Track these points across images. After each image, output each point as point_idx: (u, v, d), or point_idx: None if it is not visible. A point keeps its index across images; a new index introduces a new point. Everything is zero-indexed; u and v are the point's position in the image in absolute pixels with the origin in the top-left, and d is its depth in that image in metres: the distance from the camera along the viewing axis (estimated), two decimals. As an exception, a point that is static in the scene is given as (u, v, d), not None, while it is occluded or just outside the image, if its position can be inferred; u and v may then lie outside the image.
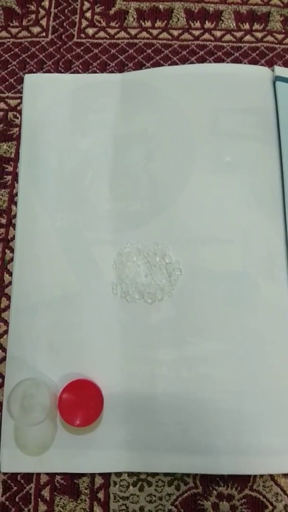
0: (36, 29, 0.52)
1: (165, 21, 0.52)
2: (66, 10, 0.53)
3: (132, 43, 0.51)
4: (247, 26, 0.52)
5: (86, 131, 0.48)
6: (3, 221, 0.47)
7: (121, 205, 0.45)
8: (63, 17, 0.52)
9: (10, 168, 0.48)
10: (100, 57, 0.51)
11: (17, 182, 0.47)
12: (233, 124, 0.46)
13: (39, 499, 0.40)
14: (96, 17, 0.52)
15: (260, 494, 0.40)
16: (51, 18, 0.52)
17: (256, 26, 0.52)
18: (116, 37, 0.52)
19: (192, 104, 0.47)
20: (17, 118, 0.49)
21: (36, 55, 0.51)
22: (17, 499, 0.40)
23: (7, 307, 0.44)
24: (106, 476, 0.40)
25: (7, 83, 0.51)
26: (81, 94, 0.49)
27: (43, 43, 0.52)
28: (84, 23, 0.52)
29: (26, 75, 0.50)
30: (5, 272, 0.45)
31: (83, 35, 0.52)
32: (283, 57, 0.50)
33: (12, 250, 0.46)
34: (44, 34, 0.52)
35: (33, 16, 0.53)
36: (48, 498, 0.40)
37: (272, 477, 0.40)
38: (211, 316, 0.42)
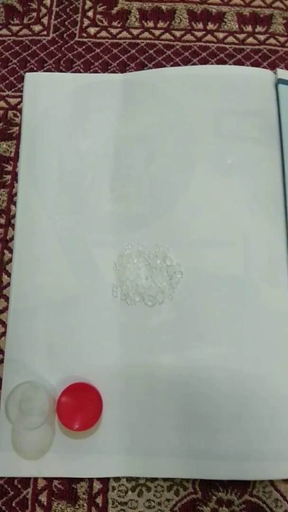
0: (37, 27, 0.52)
1: (168, 22, 0.52)
2: (67, 9, 0.52)
3: (134, 43, 0.51)
4: (249, 28, 0.52)
5: (87, 131, 0.47)
6: (2, 221, 0.46)
7: (122, 206, 0.45)
8: (64, 16, 0.52)
9: (9, 168, 0.47)
10: (101, 56, 0.51)
11: (17, 182, 0.46)
12: (235, 126, 0.46)
13: (36, 504, 0.39)
14: (98, 16, 0.52)
15: (259, 499, 0.39)
16: (53, 17, 0.52)
17: (258, 29, 0.52)
18: (118, 37, 0.51)
19: (194, 105, 0.47)
20: (17, 117, 0.49)
21: (37, 53, 0.51)
22: (13, 504, 0.39)
23: (5, 309, 0.43)
24: (104, 481, 0.40)
25: (7, 81, 0.50)
26: (82, 94, 0.48)
27: (44, 41, 0.51)
28: (86, 22, 0.52)
29: (26, 73, 0.49)
30: (3, 273, 0.45)
31: (84, 34, 0.51)
32: (286, 60, 0.50)
33: (11, 251, 0.45)
34: (45, 32, 0.51)
35: (35, 14, 0.52)
36: (45, 503, 0.39)
37: (272, 482, 0.39)
38: (212, 320, 0.41)
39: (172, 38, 0.51)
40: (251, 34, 0.51)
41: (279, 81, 0.47)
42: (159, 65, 0.50)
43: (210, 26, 0.52)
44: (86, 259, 0.43)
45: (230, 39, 0.51)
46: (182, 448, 0.39)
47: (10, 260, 0.45)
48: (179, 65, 0.50)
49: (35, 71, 0.50)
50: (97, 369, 0.41)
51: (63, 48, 0.51)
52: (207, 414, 0.40)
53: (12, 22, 0.52)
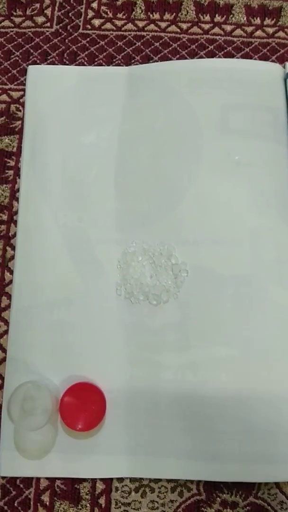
0: (40, 19, 0.51)
1: (174, 14, 0.51)
2: (71, 0, 0.51)
3: (140, 35, 0.50)
4: (258, 21, 0.50)
5: (91, 125, 0.46)
6: (4, 217, 0.45)
7: (126, 203, 0.44)
8: (68, 7, 0.51)
9: (12, 163, 0.46)
10: (106, 49, 0.50)
11: (19, 177, 0.45)
12: (243, 121, 0.45)
13: (38, 504, 0.39)
14: (103, 7, 0.51)
15: (264, 502, 0.39)
16: (56, 8, 0.51)
17: (267, 21, 0.50)
18: (123, 29, 0.50)
19: (201, 100, 0.46)
20: (20, 111, 0.48)
21: (40, 46, 0.50)
22: (16, 504, 0.39)
23: (8, 307, 0.43)
24: (107, 481, 0.39)
25: (9, 74, 0.49)
26: (86, 87, 0.47)
27: (47, 33, 0.50)
28: (90, 13, 0.51)
29: (29, 66, 0.48)
30: (5, 271, 0.44)
31: (89, 26, 0.50)
32: (295, 54, 0.49)
33: (13, 248, 0.44)
34: (48, 24, 0.50)
35: (38, 5, 0.51)
36: (48, 503, 0.39)
37: (277, 485, 0.39)
38: (218, 320, 0.41)
39: (178, 30, 0.50)
40: (260, 27, 0.50)
41: (288, 76, 0.46)
42: (165, 58, 0.49)
43: (218, 18, 0.50)
44: (90, 257, 0.43)
45: (238, 32, 0.50)
46: (186, 449, 0.39)
47: (13, 257, 0.44)
48: (185, 58, 0.49)
49: (38, 63, 0.49)
50: (101, 369, 0.40)
51: (66, 40, 0.50)
52: (212, 415, 0.39)
53: (14, 13, 0.51)
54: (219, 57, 0.49)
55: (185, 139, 0.45)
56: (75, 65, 0.49)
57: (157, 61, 0.49)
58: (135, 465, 0.39)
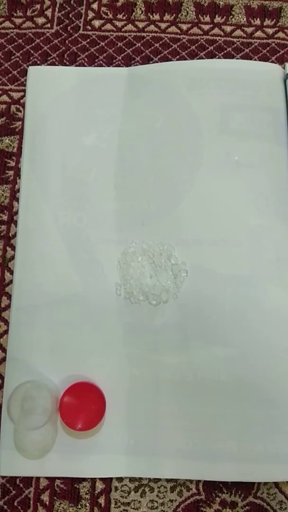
0: (40, 20, 0.51)
1: (174, 15, 0.51)
2: (72, 1, 0.51)
3: (140, 36, 0.50)
4: (258, 22, 0.50)
5: (91, 126, 0.46)
6: (5, 217, 0.45)
7: (126, 203, 0.44)
8: (69, 8, 0.51)
9: (12, 163, 0.47)
10: (106, 50, 0.50)
11: (19, 178, 0.46)
12: (242, 122, 0.45)
13: (38, 504, 0.39)
14: (103, 8, 0.51)
15: (264, 501, 0.39)
16: (57, 9, 0.51)
17: (267, 22, 0.50)
18: (123, 30, 0.50)
19: (200, 100, 0.46)
20: (20, 111, 0.48)
21: (40, 46, 0.50)
22: (15, 503, 0.39)
23: (8, 306, 0.43)
24: (107, 481, 0.39)
25: (10, 75, 0.49)
26: (86, 88, 0.47)
27: (47, 34, 0.50)
28: (91, 14, 0.51)
29: (30, 67, 0.48)
30: (6, 271, 0.44)
31: (89, 27, 0.50)
32: (295, 54, 0.49)
33: (13, 248, 0.44)
34: (49, 25, 0.51)
35: (38, 6, 0.51)
36: (47, 503, 0.39)
37: (276, 484, 0.39)
38: (217, 320, 0.41)
39: (178, 31, 0.50)
40: (260, 27, 0.50)
41: (288, 76, 0.46)
42: (165, 59, 0.49)
43: (218, 19, 0.51)
44: (90, 257, 0.43)
45: (238, 32, 0.50)
46: (186, 449, 0.39)
47: (13, 257, 0.44)
48: (185, 59, 0.49)
49: (38, 64, 0.49)
50: (101, 369, 0.40)
51: (67, 41, 0.50)
52: (211, 415, 0.39)
53: (15, 14, 0.51)
54: (219, 57, 0.49)
55: (185, 139, 0.45)
56: (75, 66, 0.49)
57: (157, 62, 0.49)
58: (134, 465, 0.39)
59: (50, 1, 0.51)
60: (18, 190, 0.45)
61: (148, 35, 0.50)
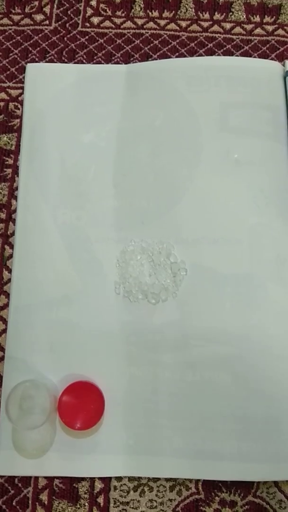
0: (39, 17, 0.50)
1: (173, 12, 0.50)
2: (70, -2, 0.51)
3: (139, 33, 0.50)
4: (257, 19, 0.50)
5: (90, 124, 0.46)
6: (3, 215, 0.45)
7: (125, 201, 0.44)
8: (67, 5, 0.51)
9: (10, 161, 0.46)
10: (105, 47, 0.49)
11: (18, 176, 0.45)
12: (242, 119, 0.45)
13: (37, 503, 0.39)
14: (102, 5, 0.51)
15: (263, 500, 0.39)
16: (55, 6, 0.51)
17: (267, 19, 0.50)
18: (122, 27, 0.50)
19: (200, 98, 0.46)
20: (18, 109, 0.48)
21: (38, 43, 0.50)
22: (14, 503, 0.39)
23: (6, 305, 0.43)
24: (106, 480, 0.39)
25: (8, 72, 0.49)
26: (84, 85, 0.47)
27: (46, 31, 0.50)
28: (89, 11, 0.50)
29: (28, 64, 0.48)
30: (4, 269, 0.44)
31: (87, 24, 0.50)
32: (294, 52, 0.49)
33: (11, 246, 0.44)
34: (47, 22, 0.50)
35: (36, 3, 0.51)
36: (46, 503, 0.39)
37: (276, 483, 0.39)
38: (217, 319, 0.41)
39: (177, 28, 0.50)
40: (259, 24, 0.50)
41: (287, 74, 0.46)
42: (164, 56, 0.49)
43: (217, 16, 0.50)
44: (89, 255, 0.43)
45: (238, 29, 0.50)
46: (185, 448, 0.39)
47: (11, 256, 0.44)
48: (184, 56, 0.49)
49: (36, 61, 0.49)
50: (99, 368, 0.40)
51: (65, 38, 0.50)
52: (210, 414, 0.39)
53: (13, 11, 0.51)
54: (219, 55, 0.49)
55: (184, 137, 0.45)
56: (74, 63, 0.49)
57: (156, 59, 0.49)
58: (133, 464, 0.39)
59: (48, -3, 0.51)
60: (17, 188, 0.45)
61: (147, 32, 0.50)
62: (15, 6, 0.51)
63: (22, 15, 0.50)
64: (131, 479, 0.39)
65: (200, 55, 0.49)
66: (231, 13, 0.50)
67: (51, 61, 0.49)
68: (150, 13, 0.50)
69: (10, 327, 0.41)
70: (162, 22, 0.50)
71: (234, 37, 0.50)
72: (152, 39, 0.50)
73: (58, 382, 0.40)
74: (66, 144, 0.45)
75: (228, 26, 0.50)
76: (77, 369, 0.40)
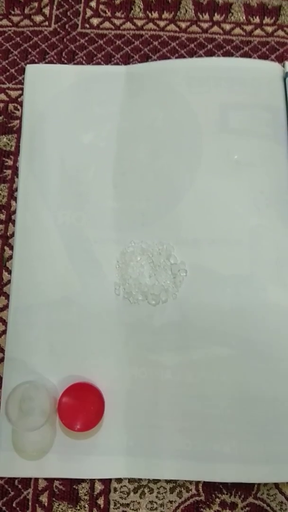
0: (38, 18, 0.50)
1: (173, 13, 0.50)
2: (70, -1, 0.51)
3: (138, 34, 0.50)
4: (257, 20, 0.50)
5: (89, 125, 0.46)
6: (2, 217, 0.45)
7: (125, 202, 0.44)
8: (66, 6, 0.51)
9: (10, 162, 0.46)
10: (104, 48, 0.49)
11: (17, 177, 0.45)
12: (242, 121, 0.45)
13: (37, 505, 0.39)
14: (101, 6, 0.51)
15: (264, 502, 0.39)
16: (54, 7, 0.51)
17: (266, 20, 0.50)
18: (121, 28, 0.50)
19: (200, 99, 0.46)
20: (18, 110, 0.48)
21: (38, 45, 0.50)
22: (14, 505, 0.39)
23: (6, 306, 0.43)
24: (106, 482, 0.39)
25: (7, 73, 0.49)
26: (84, 86, 0.47)
27: (45, 32, 0.50)
28: (89, 12, 0.50)
29: (27, 65, 0.48)
30: (4, 270, 0.44)
31: (87, 25, 0.50)
32: (294, 53, 0.49)
33: (11, 247, 0.44)
34: (47, 23, 0.50)
35: (36, 4, 0.51)
36: (46, 504, 0.39)
37: (276, 485, 0.39)
38: (217, 320, 0.41)
39: (177, 29, 0.50)
40: (259, 25, 0.50)
41: (287, 75, 0.46)
42: (163, 57, 0.49)
43: (217, 17, 0.50)
44: (88, 257, 0.43)
45: (237, 30, 0.50)
46: (185, 450, 0.39)
47: (11, 257, 0.44)
48: (184, 57, 0.49)
49: (36, 63, 0.49)
50: (99, 369, 0.40)
51: (65, 39, 0.50)
52: (211, 416, 0.39)
53: (12, 12, 0.51)
54: (218, 56, 0.49)
55: (184, 138, 0.45)
56: (74, 64, 0.49)
57: (156, 60, 0.49)
58: (134, 466, 0.39)
59: (48, -1, 0.51)
60: (16, 189, 0.45)
61: (147, 33, 0.50)
62: (15, 7, 0.51)
63: (22, 16, 0.50)
64: (131, 480, 0.39)
65: (200, 56, 0.49)
66: (230, 14, 0.50)
67: (51, 62, 0.49)
68: (149, 14, 0.50)
69: (10, 328, 0.41)
70: (162, 23, 0.50)
71: (234, 38, 0.50)
72: (151, 40, 0.50)
73: (58, 383, 0.40)
74: (66, 145, 0.45)
75: (227, 27, 0.50)
76: (77, 370, 0.40)
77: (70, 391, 0.38)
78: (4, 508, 0.39)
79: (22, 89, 0.48)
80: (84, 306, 0.41)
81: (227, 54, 0.49)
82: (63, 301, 0.41)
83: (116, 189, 0.44)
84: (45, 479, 0.39)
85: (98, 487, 0.39)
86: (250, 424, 0.39)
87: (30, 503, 0.39)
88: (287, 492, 0.39)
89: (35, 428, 0.36)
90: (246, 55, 0.49)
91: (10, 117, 0.48)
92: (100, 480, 0.39)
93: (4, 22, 0.50)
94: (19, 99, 0.48)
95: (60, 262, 0.42)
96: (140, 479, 0.39)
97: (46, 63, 0.49)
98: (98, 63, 0.49)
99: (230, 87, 0.46)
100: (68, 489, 0.39)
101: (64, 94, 0.47)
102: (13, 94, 0.48)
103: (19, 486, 0.39)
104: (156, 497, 0.39)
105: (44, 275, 0.42)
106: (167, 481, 0.39)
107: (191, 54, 0.49)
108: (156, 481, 0.39)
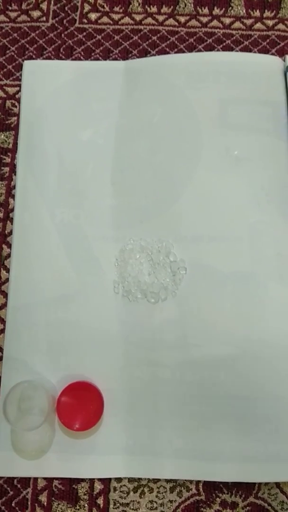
0: (36, 13, 0.50)
1: (172, 7, 0.50)
2: (67, -6, 0.50)
3: (137, 29, 0.49)
4: (257, 13, 0.49)
5: (88, 121, 0.46)
6: (0, 215, 0.45)
7: (123, 199, 0.43)
8: (64, 1, 0.50)
9: (7, 159, 0.46)
10: (103, 43, 0.49)
11: (15, 174, 0.45)
12: (242, 116, 0.44)
13: (36, 505, 0.39)
14: (99, 1, 0.50)
15: (265, 502, 0.38)
16: (52, 2, 0.50)
17: (267, 14, 0.49)
18: (120, 22, 0.49)
19: (199, 94, 0.45)
20: (16, 106, 0.47)
21: (36, 40, 0.49)
22: (13, 504, 0.39)
23: (4, 305, 0.42)
24: (105, 481, 0.39)
25: (5, 69, 0.48)
26: (82, 82, 0.47)
27: (43, 28, 0.49)
28: (87, 7, 0.50)
29: (25, 61, 0.48)
30: (1, 269, 0.43)
31: (85, 20, 0.50)
32: (295, 46, 0.48)
33: (9, 246, 0.44)
34: (44, 18, 0.50)
35: (33, -1, 0.50)
36: (45, 504, 0.39)
37: (277, 484, 0.38)
38: (217, 318, 0.40)
39: (176, 23, 0.49)
40: (259, 19, 0.49)
41: (288, 69, 0.45)
42: (162, 52, 0.48)
43: (216, 11, 0.50)
44: (87, 254, 0.42)
45: (237, 24, 0.49)
46: (185, 449, 0.38)
47: (9, 255, 0.43)
48: (183, 51, 0.48)
49: (34, 59, 0.48)
50: (98, 368, 0.40)
51: (63, 35, 0.49)
52: (211, 415, 0.39)
53: (10, 8, 0.50)
54: (218, 50, 0.48)
55: (183, 134, 0.44)
56: (72, 59, 0.48)
57: (155, 55, 0.48)
58: (133, 465, 0.38)
59: (45, -6, 0.50)
60: (14, 187, 0.45)
61: (146, 28, 0.49)
62: (12, 2, 0.50)
63: (19, 12, 0.50)
64: (131, 480, 0.39)
65: (199, 50, 0.48)
66: (230, 8, 0.50)
67: (49, 58, 0.49)
68: (148, 9, 0.50)
69: (8, 327, 0.41)
70: (161, 18, 0.50)
71: (234, 32, 0.49)
72: (150, 35, 0.49)
73: (57, 383, 0.39)
74: (64, 141, 0.45)
75: (227, 21, 0.49)
76: (75, 369, 0.40)
77: (69, 390, 0.38)
78: (3, 507, 0.39)
79: (19, 85, 0.47)
80: (82, 305, 0.41)
81: (227, 48, 0.48)
82: (61, 300, 0.41)
83: (115, 186, 0.44)
84: (44, 478, 0.39)
85: (98, 486, 0.39)
86: (250, 423, 0.38)
87: (29, 503, 0.39)
88: (288, 492, 0.38)
89: (34, 427, 0.36)
90: (246, 49, 0.48)
91: (7, 114, 0.47)
92: (99, 479, 0.39)
93: (1, 17, 0.50)
94: (16, 96, 0.47)
95: (58, 260, 0.42)
96: (139, 479, 0.39)
97: (44, 59, 0.49)
98: (97, 59, 0.48)
99: (230, 82, 0.45)
100: (67, 488, 0.39)
101: (62, 90, 0.46)
102: (11, 90, 0.48)
103: (18, 485, 0.39)
104: (156, 496, 0.38)
105: (42, 273, 0.42)
106: (167, 481, 0.39)
107: (191, 48, 0.48)
108: (156, 481, 0.39)
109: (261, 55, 0.47)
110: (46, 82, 0.47)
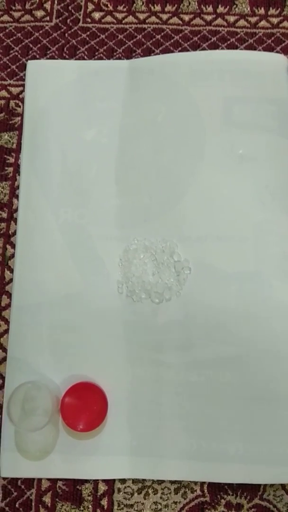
0: (39, 13, 0.50)
1: (176, 5, 0.49)
2: (71, -7, 0.50)
3: (141, 28, 0.49)
4: (262, 11, 0.49)
5: (91, 121, 0.45)
6: (4, 215, 0.45)
7: (127, 199, 0.43)
8: (68, 1, 0.50)
9: (11, 160, 0.46)
10: (106, 42, 0.49)
11: (19, 174, 0.45)
12: (247, 114, 0.44)
13: (40, 506, 0.38)
14: (103, 0, 0.50)
15: (270, 503, 0.38)
16: (56, 2, 0.50)
17: (271, 11, 0.49)
18: (123, 22, 0.49)
19: (203, 92, 0.45)
20: (19, 106, 0.47)
21: (39, 40, 0.49)
22: (17, 505, 0.39)
23: (8, 305, 0.42)
24: (110, 482, 0.39)
25: (9, 69, 0.48)
26: (86, 82, 0.47)
27: (47, 27, 0.49)
28: (90, 7, 0.50)
29: (29, 61, 0.48)
30: (5, 269, 0.43)
31: (89, 20, 0.49)
32: (300, 44, 0.48)
33: (13, 246, 0.44)
34: (48, 18, 0.50)
35: (37, -1, 0.50)
36: (49, 505, 0.38)
37: (283, 486, 0.38)
38: (222, 318, 0.40)
39: (180, 22, 0.49)
40: (264, 17, 0.49)
41: (293, 67, 0.45)
42: (166, 51, 0.48)
43: (221, 9, 0.49)
44: (91, 255, 0.42)
45: (242, 22, 0.49)
46: (190, 450, 0.38)
47: (13, 256, 0.43)
48: (187, 50, 0.48)
49: (37, 58, 0.48)
50: (102, 368, 0.40)
51: (66, 34, 0.49)
52: (216, 415, 0.38)
53: (13, 7, 0.50)
54: (222, 48, 0.48)
55: (188, 133, 0.44)
56: (75, 59, 0.48)
57: (159, 54, 0.48)
58: (137, 466, 0.38)
59: (49, -7, 0.50)
60: (18, 187, 0.45)
61: (149, 27, 0.49)
62: (15, 2, 0.50)
63: (23, 12, 0.50)
64: (135, 481, 0.38)
65: (204, 49, 0.48)
66: (235, 6, 0.49)
67: (52, 57, 0.48)
68: (152, 8, 0.50)
69: (12, 327, 0.41)
70: (165, 16, 0.49)
71: (238, 30, 0.48)
72: (154, 34, 0.49)
73: (61, 383, 0.39)
74: (68, 141, 0.45)
75: (232, 19, 0.49)
76: (79, 370, 0.40)
77: (73, 390, 0.38)
78: (7, 508, 0.38)
79: (23, 85, 0.47)
80: (86, 305, 0.41)
81: (232, 46, 0.48)
82: (65, 300, 0.41)
83: (118, 185, 0.44)
84: (48, 479, 0.39)
85: (102, 487, 0.39)
86: (255, 424, 0.38)
87: (33, 504, 0.38)
88: (294, 494, 0.38)
89: (37, 428, 0.36)
90: (251, 47, 0.48)
91: (11, 114, 0.47)
92: (103, 480, 0.39)
93: (5, 17, 0.50)
94: (20, 96, 0.47)
95: (62, 260, 0.42)
96: (144, 480, 0.38)
97: (47, 58, 0.48)
98: (100, 58, 0.48)
99: (234, 80, 0.45)
100: (71, 489, 0.39)
101: (65, 90, 0.46)
102: (15, 90, 0.48)
103: (22, 486, 0.39)
104: (161, 498, 0.38)
105: (46, 273, 0.42)
106: (172, 482, 0.38)
107: (195, 47, 0.48)
108: (160, 482, 0.38)
109: (266, 53, 0.47)
110: (49, 82, 0.47)
